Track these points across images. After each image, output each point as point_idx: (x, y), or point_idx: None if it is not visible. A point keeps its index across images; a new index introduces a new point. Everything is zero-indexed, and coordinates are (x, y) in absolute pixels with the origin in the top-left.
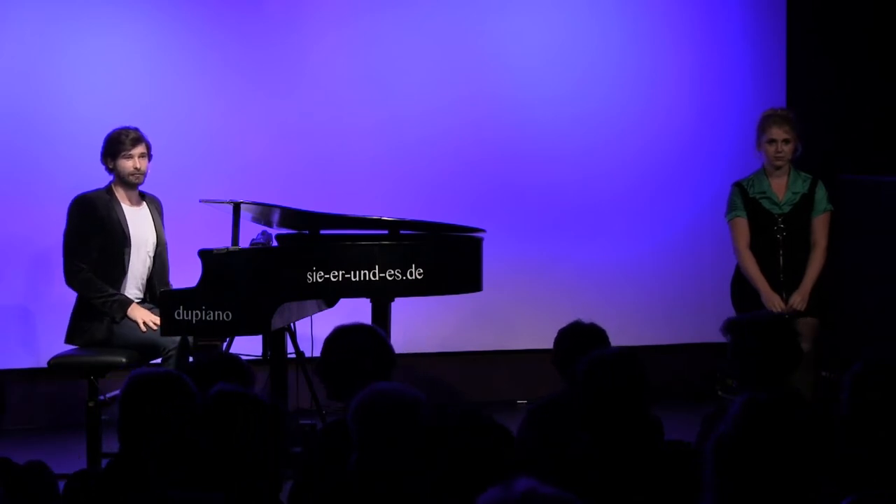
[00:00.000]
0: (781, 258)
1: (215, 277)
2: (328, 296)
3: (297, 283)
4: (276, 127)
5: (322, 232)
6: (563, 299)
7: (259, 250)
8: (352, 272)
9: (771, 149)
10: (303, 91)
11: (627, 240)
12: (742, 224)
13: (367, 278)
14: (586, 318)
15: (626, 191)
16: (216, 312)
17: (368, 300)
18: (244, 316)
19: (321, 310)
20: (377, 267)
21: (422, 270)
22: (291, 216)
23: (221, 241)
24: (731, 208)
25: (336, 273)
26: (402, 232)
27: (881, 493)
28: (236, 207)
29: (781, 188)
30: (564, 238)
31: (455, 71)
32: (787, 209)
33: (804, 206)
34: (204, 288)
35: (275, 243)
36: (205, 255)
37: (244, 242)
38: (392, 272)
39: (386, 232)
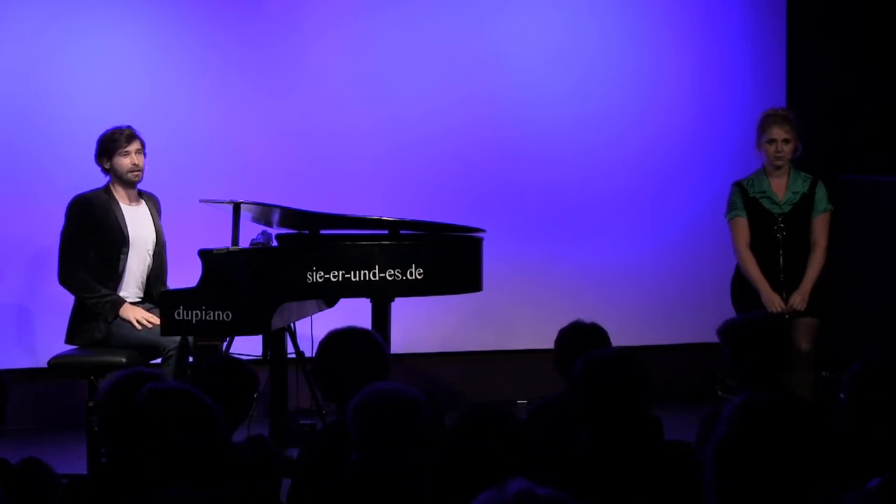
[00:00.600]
0: (781, 258)
1: (215, 277)
2: (328, 296)
3: (297, 283)
4: (276, 127)
5: (322, 232)
6: (563, 299)
7: (259, 250)
8: (352, 272)
9: (771, 148)
10: (303, 91)
11: (627, 240)
12: (742, 224)
13: (367, 278)
14: (586, 318)
15: (626, 191)
16: (216, 312)
17: (368, 300)
18: (244, 316)
19: (321, 310)
20: (377, 267)
21: (422, 270)
22: (291, 216)
23: (221, 241)
24: (731, 208)
25: (336, 273)
26: (402, 232)
27: None
28: (236, 207)
29: (781, 188)
30: (564, 238)
31: (455, 71)
32: (787, 209)
33: (804, 206)
34: (204, 288)
35: (275, 243)
36: (205, 255)
37: (244, 242)
38: (392, 272)
39: (386, 232)
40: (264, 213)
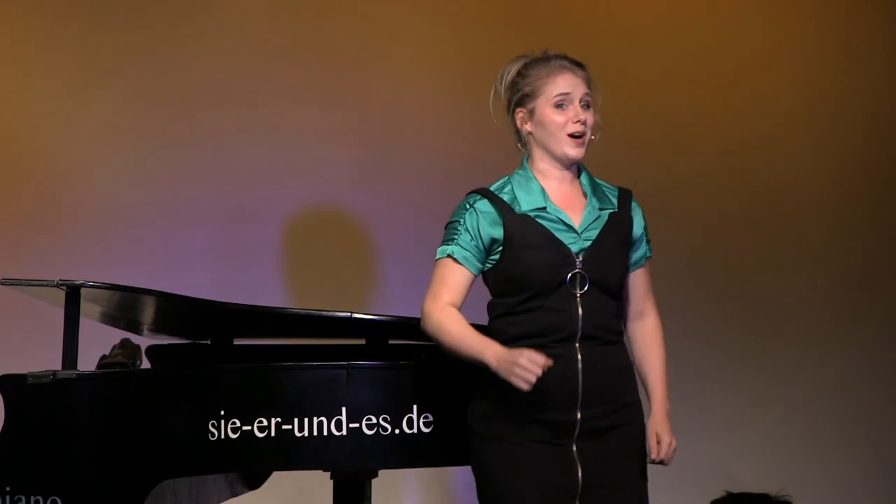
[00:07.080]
0: None
1: (26, 429)
2: (247, 467)
3: (187, 441)
4: None
5: (237, 342)
6: None
7: (115, 377)
8: (293, 421)
9: None
10: None
11: None
12: None
13: (324, 432)
14: None
15: None
16: (30, 499)
17: (328, 477)
18: None
19: (236, 494)
20: (344, 410)
21: (430, 417)
22: (177, 311)
23: (50, 355)
24: None
25: (263, 422)
26: (392, 342)
27: None
28: (71, 294)
29: None
30: None
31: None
32: None
33: None
34: (5, 449)
35: (145, 363)
36: (6, 384)
37: (88, 360)
38: (372, 420)
39: (362, 341)
40: (123, 304)
